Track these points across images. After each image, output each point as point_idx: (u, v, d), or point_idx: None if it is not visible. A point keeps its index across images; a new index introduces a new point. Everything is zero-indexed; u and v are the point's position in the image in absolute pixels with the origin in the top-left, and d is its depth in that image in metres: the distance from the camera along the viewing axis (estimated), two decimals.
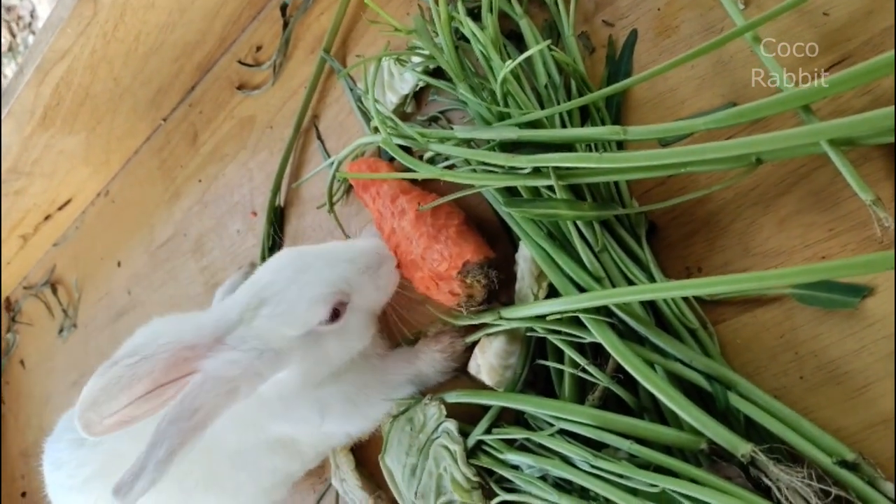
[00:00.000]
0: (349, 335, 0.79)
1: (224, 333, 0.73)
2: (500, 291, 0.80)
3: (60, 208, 1.67)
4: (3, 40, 2.17)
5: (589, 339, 0.68)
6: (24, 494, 1.77)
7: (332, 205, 0.99)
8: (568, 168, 0.68)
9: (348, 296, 0.77)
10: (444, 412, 0.79)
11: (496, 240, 0.84)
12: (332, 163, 0.90)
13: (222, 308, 0.76)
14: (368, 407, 0.84)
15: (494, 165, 0.72)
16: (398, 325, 0.86)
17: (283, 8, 1.20)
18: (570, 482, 0.68)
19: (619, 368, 0.67)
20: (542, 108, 0.75)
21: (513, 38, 0.83)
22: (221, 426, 0.79)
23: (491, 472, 0.75)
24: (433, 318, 0.87)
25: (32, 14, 2.16)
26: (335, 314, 0.76)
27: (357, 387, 0.83)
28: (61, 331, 1.72)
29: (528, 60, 0.79)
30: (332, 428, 0.85)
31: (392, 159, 0.90)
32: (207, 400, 0.67)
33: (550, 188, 0.70)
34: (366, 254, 0.80)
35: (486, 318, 0.77)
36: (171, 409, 0.65)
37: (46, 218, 1.69)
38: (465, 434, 0.77)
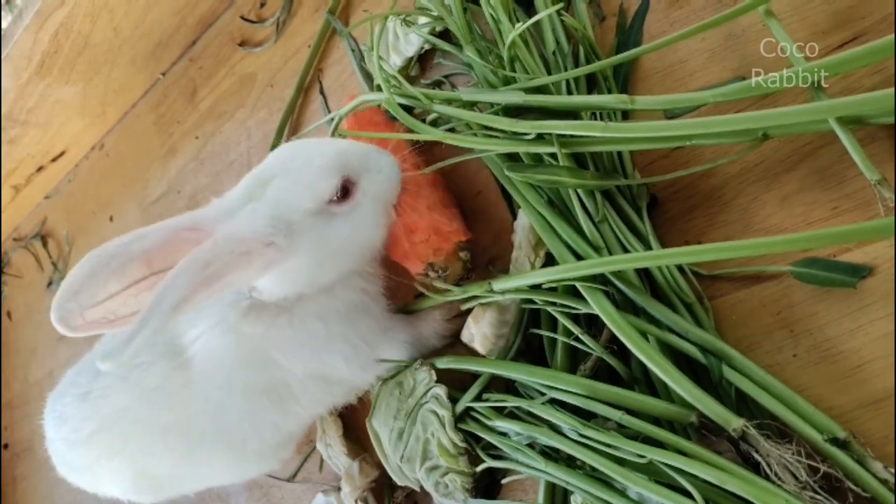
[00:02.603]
0: (361, 221, 0.75)
1: (233, 212, 0.70)
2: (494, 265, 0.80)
3: (54, 160, 1.65)
4: None
5: (584, 310, 0.67)
6: (6, 446, 1.76)
7: None
8: (572, 136, 0.67)
9: (357, 175, 0.74)
10: (434, 377, 0.79)
11: (494, 208, 0.83)
12: (332, 119, 0.89)
13: (225, 196, 0.73)
14: (368, 356, 0.83)
15: (497, 130, 0.71)
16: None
17: None
18: (557, 450, 0.68)
19: (611, 340, 0.67)
20: (549, 74, 0.75)
21: (522, 3, 0.82)
22: (227, 363, 0.79)
23: (478, 439, 0.75)
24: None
25: None
26: (345, 193, 0.73)
27: (361, 334, 0.81)
28: (50, 284, 1.70)
29: (537, 26, 0.78)
30: (329, 369, 0.83)
31: (394, 120, 0.89)
32: (221, 256, 0.63)
33: (553, 156, 0.69)
34: (360, 146, 0.78)
35: (476, 290, 0.76)
36: (182, 262, 0.60)
37: (39, 169, 1.67)
38: (454, 400, 0.77)
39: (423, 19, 0.88)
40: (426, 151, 0.86)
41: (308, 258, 0.73)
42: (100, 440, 0.85)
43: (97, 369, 0.84)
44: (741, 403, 0.61)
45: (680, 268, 0.67)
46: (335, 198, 0.72)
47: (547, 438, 0.67)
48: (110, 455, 0.86)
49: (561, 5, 0.75)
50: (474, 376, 0.78)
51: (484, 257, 0.83)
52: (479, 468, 0.73)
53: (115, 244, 0.63)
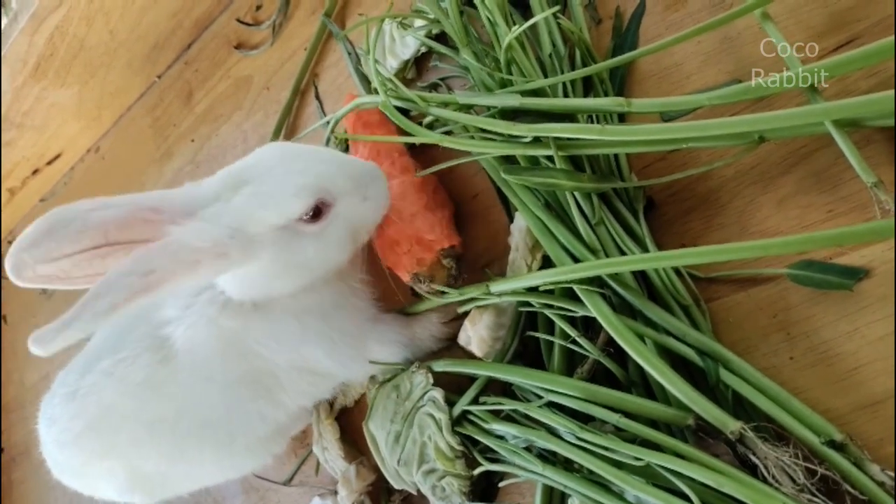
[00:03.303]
0: (328, 244, 0.73)
1: (197, 207, 0.68)
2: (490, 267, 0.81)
3: (49, 163, 1.65)
4: None
5: (581, 313, 0.67)
6: (2, 450, 1.76)
7: None
8: (568, 139, 0.67)
9: (333, 198, 0.72)
10: (431, 380, 0.79)
11: (490, 211, 0.83)
12: (328, 121, 0.89)
13: (198, 185, 0.72)
14: (351, 351, 0.82)
15: (494, 133, 0.71)
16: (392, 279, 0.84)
17: None
18: (554, 454, 0.68)
19: (608, 342, 0.67)
20: (546, 77, 0.75)
21: (519, 6, 0.82)
22: (210, 355, 0.78)
23: (475, 442, 0.75)
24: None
25: None
26: (317, 213, 0.71)
27: (340, 330, 0.81)
28: (45, 289, 1.70)
29: (534, 29, 0.78)
30: (313, 362, 0.82)
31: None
32: (166, 264, 0.62)
33: (549, 158, 0.69)
34: (357, 164, 0.76)
35: (475, 293, 0.76)
36: (126, 261, 0.60)
37: (34, 172, 1.67)
38: (451, 403, 0.77)
39: (419, 22, 0.88)
40: (422, 154, 0.86)
41: (264, 269, 0.72)
42: (88, 439, 0.85)
43: (84, 367, 0.84)
44: (738, 406, 0.61)
45: (677, 270, 0.67)
46: (305, 217, 0.71)
47: (544, 441, 0.67)
48: (101, 454, 0.86)
49: (557, 8, 0.75)
50: (471, 379, 0.77)
51: (480, 260, 0.83)
52: (477, 471, 0.73)
53: (76, 208, 0.63)
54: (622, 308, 0.67)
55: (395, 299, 0.88)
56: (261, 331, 0.79)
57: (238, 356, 0.80)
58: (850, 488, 0.53)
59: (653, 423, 0.63)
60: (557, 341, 0.71)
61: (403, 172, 0.83)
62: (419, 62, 0.94)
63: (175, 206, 0.68)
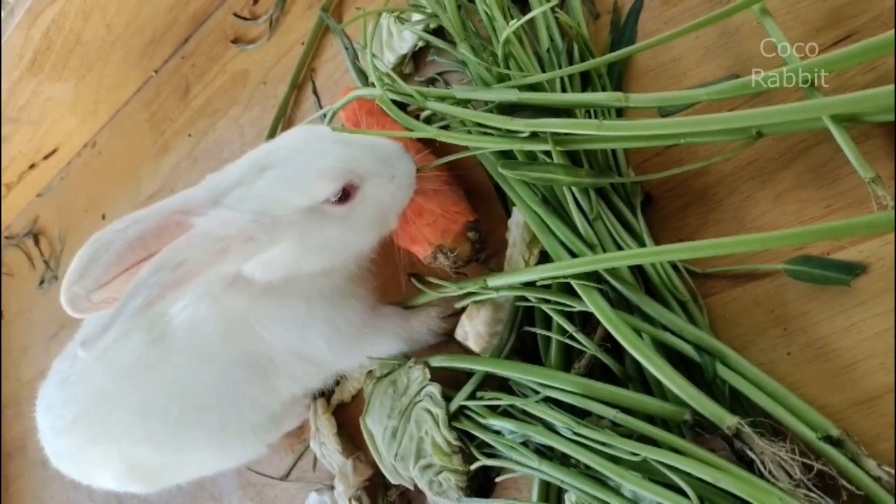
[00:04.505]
0: (354, 226, 0.73)
1: (221, 195, 0.68)
2: (486, 260, 0.80)
3: (46, 158, 1.64)
4: None
5: (578, 308, 0.67)
6: None
7: None
8: (566, 134, 0.67)
9: (361, 181, 0.71)
10: (428, 376, 0.79)
11: (488, 205, 0.83)
12: (325, 114, 0.89)
13: (221, 172, 0.71)
14: (351, 340, 0.82)
15: (491, 128, 0.71)
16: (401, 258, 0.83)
17: None
18: (551, 449, 0.68)
19: (606, 337, 0.67)
20: (544, 71, 0.74)
21: (517, 1, 0.82)
22: (210, 333, 0.77)
23: (472, 437, 0.75)
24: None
25: None
26: (345, 195, 0.70)
27: (345, 317, 0.81)
28: (42, 282, 1.69)
29: (531, 24, 0.78)
30: (311, 347, 0.82)
31: None
32: (195, 255, 0.63)
33: (547, 153, 0.69)
34: (385, 145, 0.74)
35: (472, 287, 0.76)
36: (156, 258, 0.61)
37: (31, 167, 1.67)
38: (448, 398, 0.77)
39: (416, 16, 0.88)
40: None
41: (290, 251, 0.71)
42: (82, 425, 0.85)
43: (76, 353, 0.84)
44: (735, 401, 0.61)
45: (674, 266, 0.67)
46: (333, 200, 0.70)
47: (541, 437, 0.67)
48: (95, 441, 0.86)
49: (555, 2, 0.74)
50: (468, 374, 0.77)
51: (488, 245, 0.83)
52: (473, 466, 0.73)
53: (112, 229, 0.64)
54: (619, 303, 0.67)
55: (393, 292, 0.88)
56: (266, 312, 0.78)
57: (238, 336, 0.79)
58: (846, 483, 0.53)
59: (650, 419, 0.63)
60: (555, 336, 0.71)
61: (418, 152, 0.82)
62: (416, 57, 0.94)
63: (199, 198, 0.68)
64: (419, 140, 0.83)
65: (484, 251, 0.80)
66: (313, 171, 0.68)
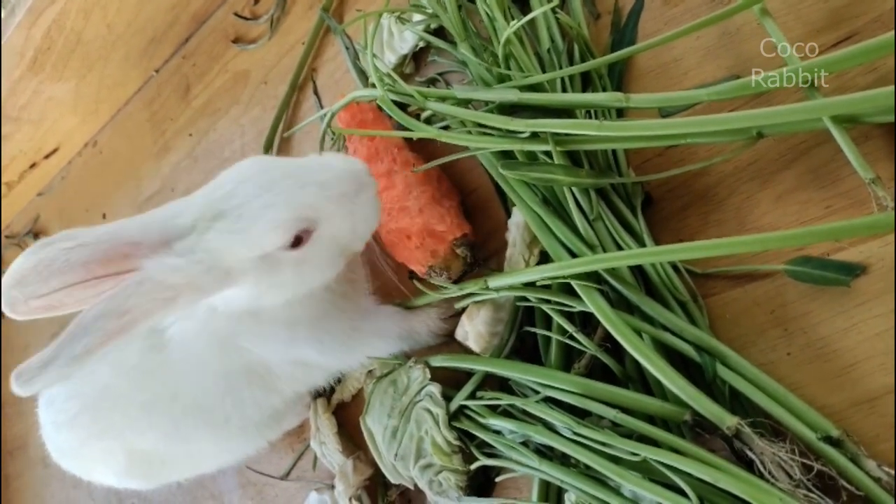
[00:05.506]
0: (310, 267, 0.71)
1: (173, 238, 0.66)
2: (486, 261, 0.81)
3: (47, 157, 1.64)
4: None
5: (578, 308, 0.68)
6: None
7: None
8: (566, 134, 0.67)
9: (315, 223, 0.69)
10: (428, 375, 0.79)
11: (488, 206, 0.83)
12: (325, 115, 0.89)
13: (176, 208, 0.69)
14: (344, 348, 0.82)
15: (492, 128, 0.71)
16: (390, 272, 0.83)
17: None
18: (551, 449, 0.68)
19: (606, 338, 0.67)
20: (544, 72, 0.75)
21: (517, 1, 0.82)
22: (201, 349, 0.77)
23: (472, 437, 0.75)
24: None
25: None
26: (297, 241, 0.68)
27: (331, 333, 0.80)
28: None
29: (532, 24, 0.78)
30: (305, 357, 0.82)
31: (389, 118, 0.89)
32: (141, 303, 0.61)
33: (547, 154, 0.69)
34: (341, 178, 0.71)
35: (473, 288, 0.76)
36: (102, 303, 0.59)
37: (32, 166, 1.66)
38: (448, 398, 0.77)
39: (417, 16, 0.88)
40: (421, 149, 0.86)
41: (247, 291, 0.71)
42: (85, 419, 0.84)
43: None
44: (735, 402, 0.61)
45: (674, 266, 0.67)
46: (284, 247, 0.68)
47: (541, 436, 0.67)
48: (97, 435, 0.86)
49: (556, 3, 0.74)
50: (468, 374, 0.77)
51: (478, 255, 0.83)
52: (473, 466, 0.73)
53: (57, 247, 0.62)
54: (619, 303, 0.67)
55: (395, 292, 0.88)
56: (250, 332, 0.78)
57: (229, 351, 0.79)
58: (846, 484, 0.53)
59: (650, 419, 0.63)
60: (555, 336, 0.71)
61: (405, 167, 0.82)
62: (417, 57, 0.94)
63: (152, 237, 0.66)
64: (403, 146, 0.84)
65: (477, 264, 0.80)
66: (264, 224, 0.66)
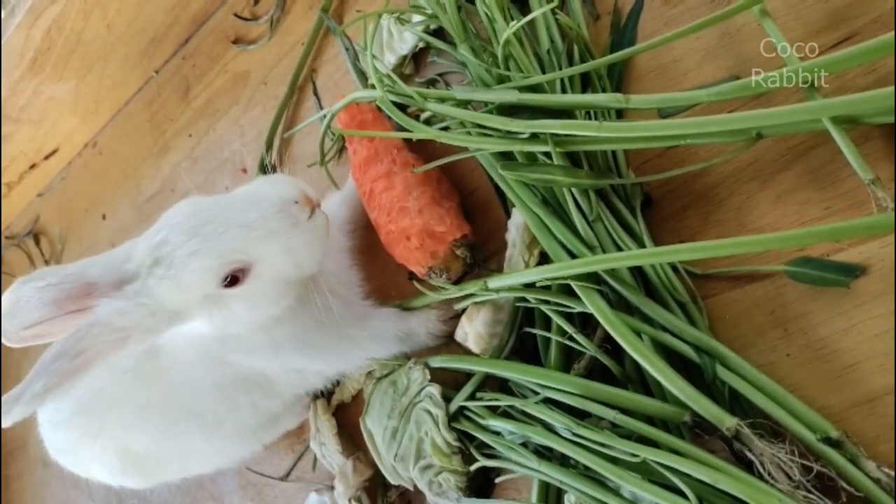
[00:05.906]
0: (258, 299, 0.73)
1: (126, 280, 0.69)
2: (486, 261, 0.81)
3: (46, 157, 1.64)
4: None
5: (578, 309, 0.67)
6: None
7: (323, 161, 0.97)
8: (566, 135, 0.67)
9: (249, 261, 0.70)
10: (428, 376, 0.79)
11: (488, 206, 0.83)
12: (324, 115, 0.88)
13: (128, 251, 0.71)
14: (335, 358, 0.83)
15: (491, 129, 0.71)
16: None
17: None
18: (551, 450, 0.68)
19: (605, 338, 0.67)
20: (544, 73, 0.74)
21: (517, 2, 0.82)
22: (192, 359, 0.79)
23: (472, 438, 0.75)
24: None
25: None
26: (234, 279, 0.70)
27: (319, 350, 0.81)
28: None
29: (532, 25, 0.78)
30: (295, 364, 0.83)
31: (388, 119, 0.89)
32: (93, 344, 0.65)
33: (547, 155, 0.69)
34: (268, 217, 0.70)
35: (472, 289, 0.76)
36: (57, 344, 0.64)
37: (32, 167, 1.66)
38: (448, 399, 0.77)
39: (417, 17, 0.88)
40: (421, 150, 0.86)
41: (206, 324, 0.73)
42: (80, 420, 0.86)
43: None
44: (735, 402, 0.61)
45: (674, 267, 0.67)
46: (221, 286, 0.70)
47: (541, 437, 0.67)
48: (93, 435, 0.87)
49: (555, 4, 0.74)
50: (468, 375, 0.78)
51: (478, 255, 0.83)
52: (473, 467, 0.73)
53: (31, 286, 0.67)
54: (619, 304, 0.67)
55: (394, 293, 0.88)
56: (236, 347, 0.79)
57: (221, 366, 0.81)
58: (845, 485, 0.53)
59: (649, 420, 0.63)
60: (554, 337, 0.71)
61: (405, 168, 0.82)
62: (417, 58, 0.94)
63: (109, 278, 0.69)
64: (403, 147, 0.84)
65: (477, 265, 0.80)
66: (191, 272, 0.68)
